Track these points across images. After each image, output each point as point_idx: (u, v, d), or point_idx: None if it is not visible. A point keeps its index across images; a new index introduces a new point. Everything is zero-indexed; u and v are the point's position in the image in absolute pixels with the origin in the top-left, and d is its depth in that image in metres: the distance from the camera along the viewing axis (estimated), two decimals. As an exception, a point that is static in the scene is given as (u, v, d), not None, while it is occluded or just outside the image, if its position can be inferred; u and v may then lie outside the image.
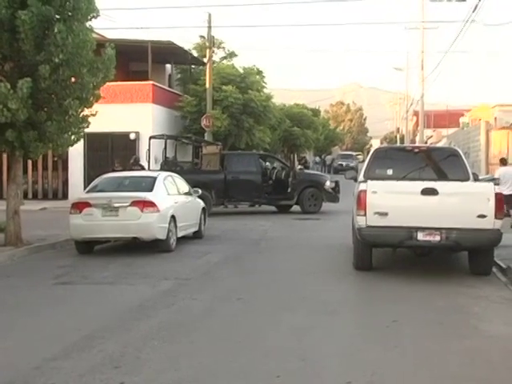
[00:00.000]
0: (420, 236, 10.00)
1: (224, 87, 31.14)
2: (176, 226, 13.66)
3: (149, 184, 13.75)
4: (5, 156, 18.01)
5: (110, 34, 28.66)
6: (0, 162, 26.80)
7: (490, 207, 9.80)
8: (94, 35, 14.46)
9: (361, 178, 11.35)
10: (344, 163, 57.34)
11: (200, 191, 16.23)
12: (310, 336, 7.05)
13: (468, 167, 11.52)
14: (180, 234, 14.04)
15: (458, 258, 11.70)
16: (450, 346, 6.71)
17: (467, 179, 11.06)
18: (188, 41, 38.17)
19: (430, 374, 5.88)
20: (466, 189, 10.37)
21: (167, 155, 22.87)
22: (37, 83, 12.40)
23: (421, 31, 38.07)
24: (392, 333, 7.18)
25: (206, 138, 28.57)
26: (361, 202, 10.24)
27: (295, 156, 54.86)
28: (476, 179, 11.76)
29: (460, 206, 10.02)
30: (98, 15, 13.53)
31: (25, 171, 25.38)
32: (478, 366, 6.13)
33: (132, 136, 27.94)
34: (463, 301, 8.79)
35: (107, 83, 14.35)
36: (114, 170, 19.35)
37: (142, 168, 21.19)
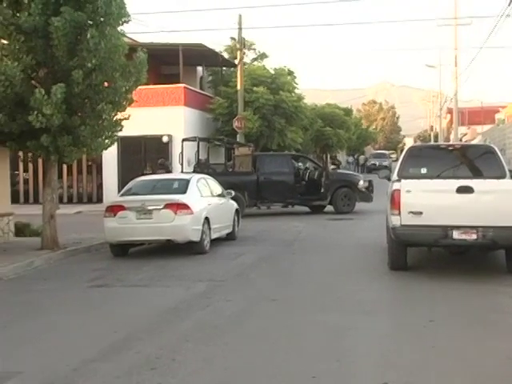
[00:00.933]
0: (455, 235, 9.87)
1: (255, 88, 31.16)
2: (210, 228, 13.70)
3: (182, 186, 13.82)
4: (40, 161, 18.26)
5: (142, 38, 28.93)
6: (36, 167, 27.22)
7: (527, 205, 9.63)
8: (126, 39, 14.60)
9: (394, 177, 11.23)
10: (377, 162, 56.99)
11: (233, 193, 16.26)
12: (346, 336, 7.01)
13: (504, 164, 11.32)
14: (214, 236, 14.07)
15: (495, 256, 11.53)
16: (488, 345, 6.61)
17: (504, 176, 10.87)
18: (219, 43, 38.31)
19: (468, 375, 5.79)
20: (502, 186, 10.21)
21: (200, 157, 22.96)
22: (70, 88, 12.54)
23: (454, 27, 37.63)
24: (429, 333, 7.10)
25: (237, 140, 28.63)
26: (395, 201, 10.16)
27: (327, 156, 54.66)
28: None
29: (496, 203, 9.86)
30: (129, 20, 13.64)
31: (60, 176, 25.68)
32: (517, 366, 6.03)
33: (165, 139, 28.15)
34: (501, 300, 8.66)
35: (139, 87, 14.47)
36: (143, 174, 19.63)
37: (167, 171, 21.52)
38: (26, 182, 29.94)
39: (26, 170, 29.38)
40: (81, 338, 7.26)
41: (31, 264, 12.36)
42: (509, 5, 22.43)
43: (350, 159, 62.64)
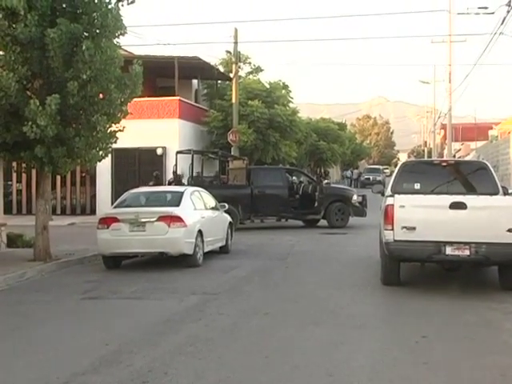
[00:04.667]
0: (448, 250, 9.88)
1: (250, 102, 31.25)
2: (203, 241, 13.68)
3: (176, 199, 13.81)
4: (34, 172, 18.22)
5: (138, 51, 29.08)
6: (29, 178, 27.16)
7: (520, 221, 9.66)
8: (122, 52, 14.64)
9: (388, 192, 11.27)
10: (371, 177, 57.09)
11: (227, 206, 16.26)
12: (338, 351, 6.99)
13: (497, 181, 11.38)
14: (207, 249, 14.05)
15: (488, 272, 11.54)
16: (480, 361, 6.61)
17: (496, 193, 10.92)
18: (214, 56, 38.42)
19: (460, 391, 5.78)
20: (495, 202, 10.24)
21: (196, 170, 22.99)
22: (65, 100, 12.55)
23: (448, 44, 37.86)
24: (421, 348, 7.08)
25: (232, 153, 28.67)
26: (388, 216, 10.17)
27: (321, 170, 54.76)
28: (506, 193, 11.61)
29: (489, 219, 9.89)
30: (125, 32, 13.66)
31: (53, 187, 25.64)
32: (510, 382, 6.03)
33: (159, 151, 28.17)
34: (494, 316, 8.66)
35: (134, 99, 14.49)
36: (148, 185, 20.12)
37: (157, 183, 21.78)
38: (19, 192, 29.86)
39: (19, 181, 29.32)
40: (72, 351, 7.21)
41: (23, 275, 12.31)
42: (502, 23, 22.59)
43: (348, 173, 62.34)
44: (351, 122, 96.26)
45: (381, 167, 70.11)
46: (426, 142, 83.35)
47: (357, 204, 22.27)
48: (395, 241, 10.09)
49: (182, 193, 14.15)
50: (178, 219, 12.96)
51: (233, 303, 9.64)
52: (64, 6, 12.89)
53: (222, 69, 36.82)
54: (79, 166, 15.10)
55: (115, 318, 8.98)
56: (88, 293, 10.68)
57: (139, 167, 28.55)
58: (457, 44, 39.39)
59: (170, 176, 23.57)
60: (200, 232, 13.52)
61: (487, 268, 11.44)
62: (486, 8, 28.83)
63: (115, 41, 13.56)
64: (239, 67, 33.23)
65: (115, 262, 13.52)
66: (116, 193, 25.34)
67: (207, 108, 33.71)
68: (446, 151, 44.50)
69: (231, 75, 32.30)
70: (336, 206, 22.25)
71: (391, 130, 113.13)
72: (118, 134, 14.22)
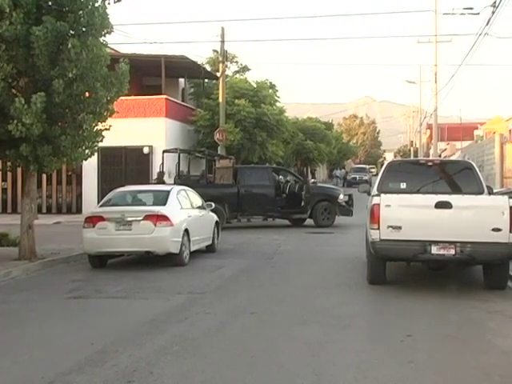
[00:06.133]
0: (434, 250, 9.93)
1: (237, 101, 31.25)
2: (189, 240, 13.66)
3: (162, 198, 13.77)
4: (19, 170, 18.14)
5: (124, 49, 29.06)
6: (14, 177, 27.00)
7: (504, 220, 9.72)
8: (108, 50, 14.57)
9: (374, 191, 11.31)
10: (357, 176, 57.25)
11: (213, 205, 16.24)
12: (324, 350, 7.00)
13: (482, 180, 11.45)
14: (193, 248, 14.03)
15: (473, 271, 11.61)
16: (465, 361, 6.65)
17: (481, 192, 10.99)
18: (201, 55, 38.44)
19: (445, 390, 5.81)
20: (480, 202, 10.30)
21: (181, 169, 22.96)
22: (51, 98, 12.49)
23: (434, 44, 38.03)
24: (407, 347, 7.11)
25: (219, 152, 28.66)
26: (374, 215, 10.20)
27: (309, 169, 54.83)
28: (490, 192, 11.69)
29: (474, 219, 9.95)
30: (111, 31, 13.61)
31: (39, 185, 25.47)
32: (493, 381, 6.06)
33: (145, 150, 28.11)
34: (478, 315, 8.71)
35: (121, 97, 14.44)
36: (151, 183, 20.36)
37: (159, 181, 21.74)
38: (4, 191, 29.69)
39: (4, 180, 29.15)
40: (57, 350, 7.18)
41: (8, 274, 12.23)
42: (487, 24, 22.74)
43: (338, 173, 62.23)
44: (338, 122, 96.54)
45: (367, 167, 70.31)
46: (412, 142, 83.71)
47: (343, 203, 22.34)
48: (381, 240, 10.13)
49: (169, 192, 14.12)
50: (165, 218, 12.93)
51: (219, 303, 9.63)
52: (50, 3, 12.83)
53: (208, 68, 36.81)
54: (65, 164, 15.00)
55: (100, 317, 8.95)
56: (73, 292, 10.64)
57: (126, 166, 28.50)
58: (443, 44, 39.57)
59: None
60: (186, 231, 13.50)
61: (472, 267, 11.51)
62: (471, 9, 28.99)
63: (102, 39, 13.51)
64: (226, 66, 33.21)
65: (101, 261, 13.48)
66: (102, 191, 25.27)
67: (194, 107, 33.67)
68: (431, 151, 44.74)
69: (218, 74, 32.28)
70: (322, 206, 22.30)
71: (377, 130, 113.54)
72: (104, 133, 14.17)
